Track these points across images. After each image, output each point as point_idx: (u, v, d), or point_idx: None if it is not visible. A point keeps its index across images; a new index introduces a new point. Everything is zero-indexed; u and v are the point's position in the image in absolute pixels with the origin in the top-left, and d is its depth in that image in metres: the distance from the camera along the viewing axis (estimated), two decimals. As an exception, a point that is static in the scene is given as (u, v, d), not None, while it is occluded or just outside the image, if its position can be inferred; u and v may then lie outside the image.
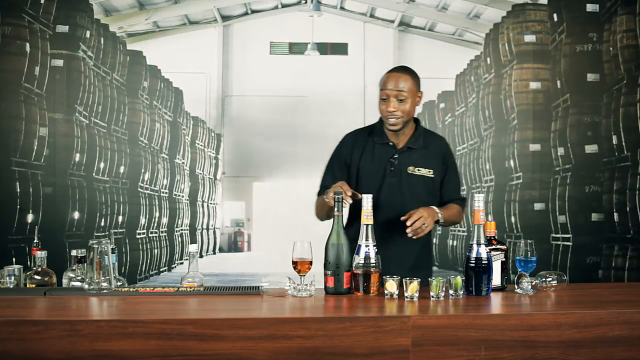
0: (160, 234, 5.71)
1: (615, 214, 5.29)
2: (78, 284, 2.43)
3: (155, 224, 5.68)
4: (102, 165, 5.43)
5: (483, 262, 2.23)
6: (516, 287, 2.34)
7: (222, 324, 1.86)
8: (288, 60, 5.82)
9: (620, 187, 5.27)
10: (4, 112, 5.05)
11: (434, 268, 5.74)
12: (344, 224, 2.35)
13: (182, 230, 5.80)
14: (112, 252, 2.29)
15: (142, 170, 5.63)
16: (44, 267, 2.50)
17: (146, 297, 2.23)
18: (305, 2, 5.78)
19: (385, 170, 2.73)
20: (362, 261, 2.25)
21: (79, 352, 1.81)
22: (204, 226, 5.92)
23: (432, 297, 2.16)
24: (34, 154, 5.11)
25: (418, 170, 2.75)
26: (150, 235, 5.65)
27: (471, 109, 5.79)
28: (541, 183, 5.51)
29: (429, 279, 2.19)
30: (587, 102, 5.43)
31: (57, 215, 5.15)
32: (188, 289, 2.33)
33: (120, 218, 5.52)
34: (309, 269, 2.25)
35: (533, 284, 2.33)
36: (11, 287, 2.44)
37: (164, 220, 5.71)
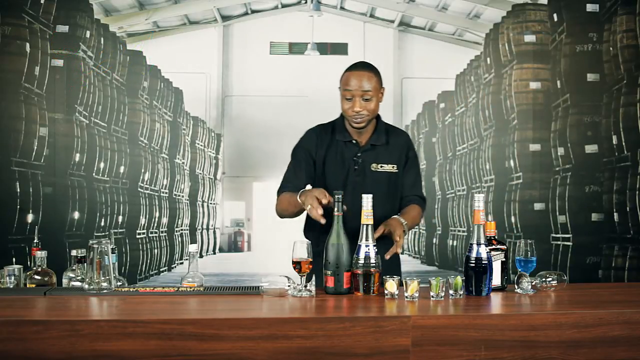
0: (160, 234, 5.71)
1: (615, 214, 5.29)
2: (78, 284, 2.43)
3: (155, 224, 5.68)
4: (102, 165, 5.43)
5: (483, 262, 2.23)
6: (516, 287, 2.34)
7: (222, 324, 1.86)
8: (288, 60, 5.82)
9: (620, 187, 5.26)
10: (4, 112, 5.05)
11: (434, 268, 5.81)
12: (341, 224, 2.30)
13: (182, 230, 5.80)
14: (112, 252, 2.29)
15: (142, 170, 5.63)
16: (44, 267, 2.50)
17: (146, 297, 2.23)
18: (305, 2, 5.78)
19: (349, 169, 2.69)
20: (362, 261, 2.24)
21: (79, 352, 1.81)
22: (204, 226, 5.92)
23: (432, 297, 2.16)
24: (34, 154, 5.11)
25: (381, 166, 2.72)
26: (150, 235, 5.66)
27: (471, 109, 5.79)
28: (541, 183, 5.51)
29: (429, 279, 2.19)
30: (587, 102, 5.43)
31: (57, 215, 5.15)
32: (188, 289, 2.33)
33: (120, 218, 5.52)
34: (309, 269, 2.24)
35: (533, 284, 2.33)
36: (11, 287, 2.44)
37: (164, 220, 5.72)
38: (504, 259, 2.37)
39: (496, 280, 2.34)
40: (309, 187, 2.72)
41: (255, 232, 5.94)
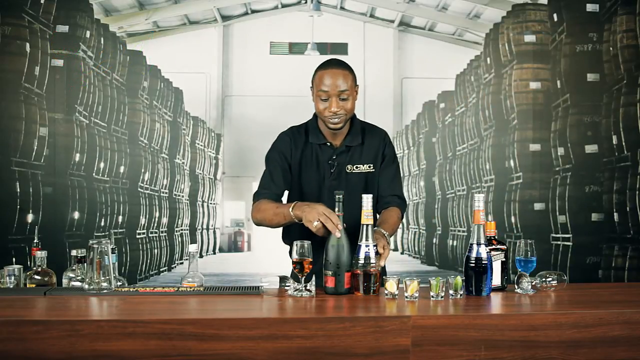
0: (160, 234, 5.71)
1: (615, 214, 5.29)
2: (78, 284, 2.43)
3: (155, 224, 5.68)
4: (102, 165, 5.43)
5: (483, 262, 2.23)
6: (516, 287, 2.34)
7: (222, 324, 1.86)
8: (288, 60, 5.82)
9: (620, 187, 5.27)
10: (4, 112, 5.05)
11: (434, 268, 5.81)
12: (344, 225, 2.27)
13: (182, 230, 5.80)
14: (112, 252, 2.29)
15: (142, 170, 5.63)
16: (44, 267, 2.49)
17: (146, 297, 2.23)
18: (305, 2, 5.78)
19: (325, 172, 2.61)
20: (362, 261, 2.23)
21: (79, 352, 1.81)
22: (204, 226, 5.92)
23: (432, 297, 2.16)
24: (34, 154, 5.11)
25: (357, 167, 2.64)
26: (150, 235, 5.65)
27: (471, 109, 5.79)
28: (541, 183, 5.52)
29: (429, 279, 2.19)
30: (587, 102, 5.43)
31: (57, 215, 5.15)
32: (188, 289, 2.33)
33: (120, 218, 5.52)
34: (310, 268, 2.24)
35: (533, 284, 2.33)
36: (11, 287, 2.44)
37: (164, 220, 5.72)
38: (504, 259, 2.37)
39: (496, 280, 2.34)
40: (286, 194, 2.66)
41: (255, 232, 5.94)
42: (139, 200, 5.61)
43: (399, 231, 5.99)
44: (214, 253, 5.97)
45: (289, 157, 2.64)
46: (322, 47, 5.78)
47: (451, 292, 2.20)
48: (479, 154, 5.75)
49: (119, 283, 2.43)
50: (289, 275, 2.41)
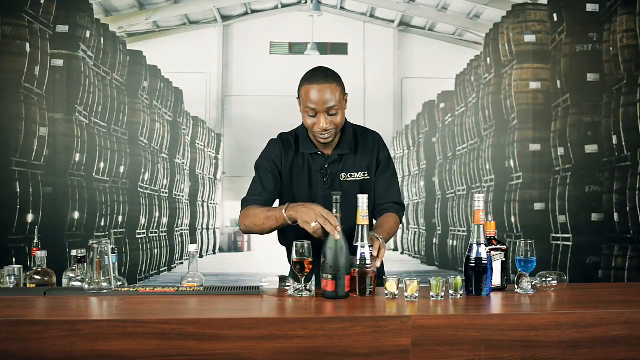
0: (160, 234, 5.71)
1: (615, 214, 5.29)
2: (78, 284, 2.43)
3: (155, 224, 5.68)
4: (102, 165, 5.43)
5: (483, 262, 2.23)
6: (516, 287, 2.34)
7: (222, 324, 1.86)
8: (288, 60, 5.82)
9: (620, 187, 5.27)
10: (4, 112, 5.05)
11: (434, 268, 5.81)
12: (342, 227, 2.20)
13: (182, 230, 5.80)
14: (112, 252, 2.29)
15: (142, 170, 5.63)
16: (44, 267, 2.49)
17: (146, 297, 2.23)
18: (305, 2, 5.78)
19: (317, 182, 2.55)
20: (358, 262, 2.19)
21: (79, 352, 1.81)
22: (204, 226, 5.92)
23: (432, 297, 2.16)
24: (34, 154, 5.12)
25: (351, 175, 2.56)
26: (150, 235, 5.65)
27: (471, 109, 5.79)
28: (541, 183, 5.52)
29: (429, 279, 2.19)
30: (587, 102, 5.44)
31: (57, 215, 5.15)
32: (188, 289, 2.33)
33: (120, 218, 5.52)
34: (310, 268, 2.23)
35: (533, 284, 2.33)
36: (11, 287, 2.44)
37: (164, 220, 5.72)
38: (504, 259, 2.36)
39: (496, 280, 2.34)
40: (276, 202, 2.60)
41: (255, 232, 5.93)
42: (139, 200, 5.61)
43: (399, 231, 5.99)
44: (214, 253, 5.97)
45: (280, 165, 2.57)
46: (322, 47, 5.78)
47: (451, 292, 2.20)
48: (479, 154, 5.75)
49: (119, 283, 2.43)
50: (288, 275, 2.41)
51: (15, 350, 1.80)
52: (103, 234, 5.36)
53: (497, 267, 2.34)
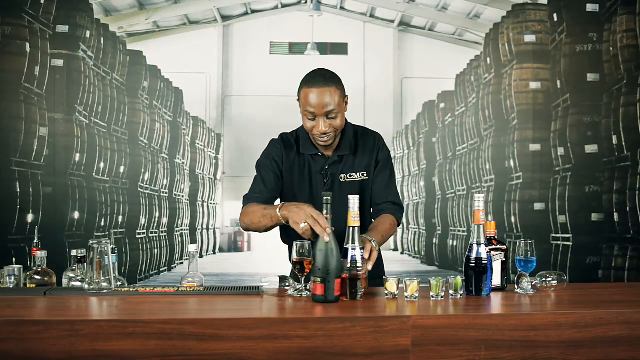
0: (160, 234, 5.71)
1: (615, 214, 5.29)
2: (78, 284, 2.43)
3: (155, 224, 5.68)
4: (102, 165, 5.43)
5: (483, 262, 2.23)
6: (516, 287, 2.33)
7: (222, 324, 1.86)
8: (288, 60, 5.82)
9: (620, 187, 5.27)
10: (4, 112, 5.05)
11: (434, 268, 5.81)
12: (333, 228, 2.15)
13: (182, 230, 5.80)
14: (112, 252, 2.29)
15: (142, 170, 5.63)
16: (44, 267, 2.49)
17: (146, 297, 2.23)
18: (305, 2, 5.78)
19: (318, 183, 2.55)
20: (349, 265, 2.13)
21: (79, 352, 1.81)
22: (204, 226, 5.92)
23: (432, 297, 2.16)
24: (34, 154, 5.12)
25: (350, 176, 2.56)
26: (150, 235, 5.66)
27: (471, 109, 5.79)
28: (541, 183, 5.52)
29: (429, 279, 2.19)
30: (587, 102, 5.44)
31: (57, 215, 5.15)
32: (188, 289, 2.33)
33: (120, 218, 5.52)
34: (310, 269, 2.22)
35: (533, 284, 2.33)
36: (11, 287, 2.44)
37: (164, 220, 5.72)
38: (504, 259, 2.36)
39: (496, 280, 2.33)
40: (278, 201, 2.59)
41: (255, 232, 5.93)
42: (139, 200, 5.61)
43: (399, 231, 5.99)
44: (214, 253, 5.97)
45: (281, 164, 2.57)
46: (322, 47, 5.78)
47: (451, 292, 2.20)
48: (479, 154, 5.75)
49: (119, 283, 2.43)
50: (289, 275, 2.41)
51: (15, 350, 1.80)
52: (103, 234, 5.36)
53: (497, 267, 2.33)
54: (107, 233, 5.38)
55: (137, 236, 5.57)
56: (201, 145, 5.92)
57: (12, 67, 5.07)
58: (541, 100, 5.54)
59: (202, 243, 5.88)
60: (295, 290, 2.24)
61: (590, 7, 5.46)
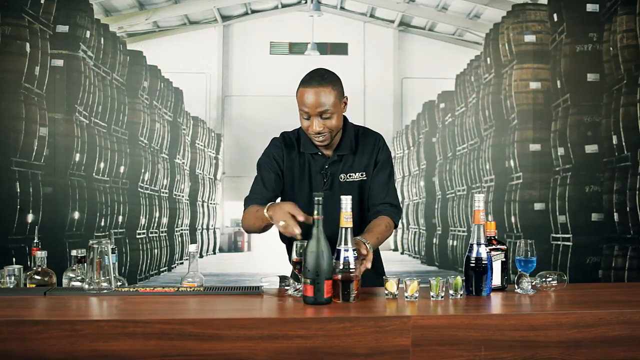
0: (160, 234, 5.71)
1: (615, 214, 5.29)
2: (78, 284, 2.43)
3: (155, 224, 5.68)
4: (102, 165, 5.43)
5: (483, 262, 2.23)
6: (516, 287, 2.34)
7: (222, 324, 1.86)
8: (288, 60, 5.82)
9: (620, 187, 5.27)
10: (4, 112, 5.05)
11: (434, 268, 5.81)
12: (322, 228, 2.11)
13: (182, 230, 5.80)
14: (112, 252, 2.29)
15: (142, 170, 5.63)
16: (44, 267, 2.50)
17: (146, 297, 2.23)
18: (305, 2, 5.78)
19: (317, 183, 2.55)
20: (341, 266, 2.10)
21: (79, 352, 1.81)
22: (204, 226, 5.92)
23: (432, 297, 2.16)
24: (34, 154, 5.12)
25: (349, 176, 2.56)
26: (150, 235, 5.66)
27: (471, 109, 5.79)
28: (541, 183, 5.52)
29: (429, 279, 2.19)
30: (587, 102, 5.44)
31: (57, 215, 5.15)
32: (188, 289, 2.33)
33: (120, 218, 5.52)
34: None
35: (533, 284, 2.33)
36: (11, 287, 2.44)
37: (164, 220, 5.72)
38: (504, 259, 2.36)
39: (496, 280, 2.33)
40: (278, 200, 2.59)
41: (255, 232, 5.93)
42: (139, 200, 5.61)
43: (399, 231, 5.99)
44: (214, 253, 5.97)
45: (281, 163, 2.58)
46: (322, 47, 5.78)
47: (451, 292, 2.20)
48: (479, 154, 5.75)
49: (119, 283, 2.43)
50: (289, 275, 2.41)
51: (15, 350, 1.80)
52: (103, 234, 5.36)
53: (497, 267, 2.33)
54: (107, 233, 5.38)
55: (137, 236, 5.57)
56: (201, 145, 5.92)
57: (12, 67, 5.07)
58: (541, 100, 5.55)
59: (202, 243, 5.88)
60: (295, 290, 2.24)
61: (590, 7, 5.46)
